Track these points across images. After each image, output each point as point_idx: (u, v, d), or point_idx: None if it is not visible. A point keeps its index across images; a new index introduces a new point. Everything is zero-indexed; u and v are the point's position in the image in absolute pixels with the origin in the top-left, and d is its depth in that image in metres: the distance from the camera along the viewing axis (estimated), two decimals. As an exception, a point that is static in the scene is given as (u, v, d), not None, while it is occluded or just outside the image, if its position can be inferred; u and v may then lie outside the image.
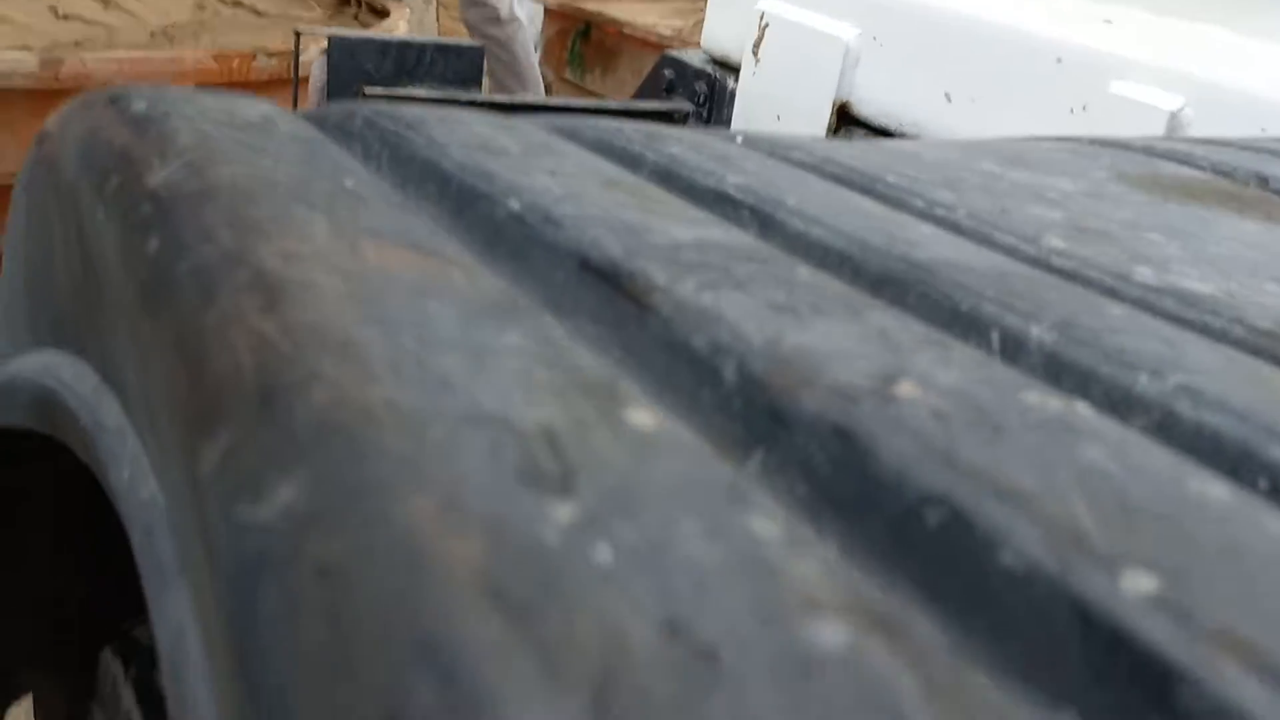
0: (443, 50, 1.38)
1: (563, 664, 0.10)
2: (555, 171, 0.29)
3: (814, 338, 0.20)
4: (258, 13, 3.36)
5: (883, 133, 1.21)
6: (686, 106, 1.51)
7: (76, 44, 2.85)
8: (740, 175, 0.34)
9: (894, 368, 0.19)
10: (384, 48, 1.33)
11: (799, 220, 0.30)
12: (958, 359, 0.20)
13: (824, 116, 1.26)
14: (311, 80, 1.35)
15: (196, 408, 0.16)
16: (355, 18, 3.46)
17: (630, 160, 0.35)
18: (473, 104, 1.39)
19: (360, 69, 1.32)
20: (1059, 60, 1.01)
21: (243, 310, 0.17)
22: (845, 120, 1.25)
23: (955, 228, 0.33)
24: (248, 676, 0.12)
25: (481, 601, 0.11)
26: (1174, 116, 0.90)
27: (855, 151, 0.42)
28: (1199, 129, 0.90)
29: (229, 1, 3.43)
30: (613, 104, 1.47)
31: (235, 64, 2.43)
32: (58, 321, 0.32)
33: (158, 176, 0.22)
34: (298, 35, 1.38)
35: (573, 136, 0.37)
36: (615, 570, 0.12)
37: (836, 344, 0.20)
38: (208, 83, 2.43)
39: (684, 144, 0.37)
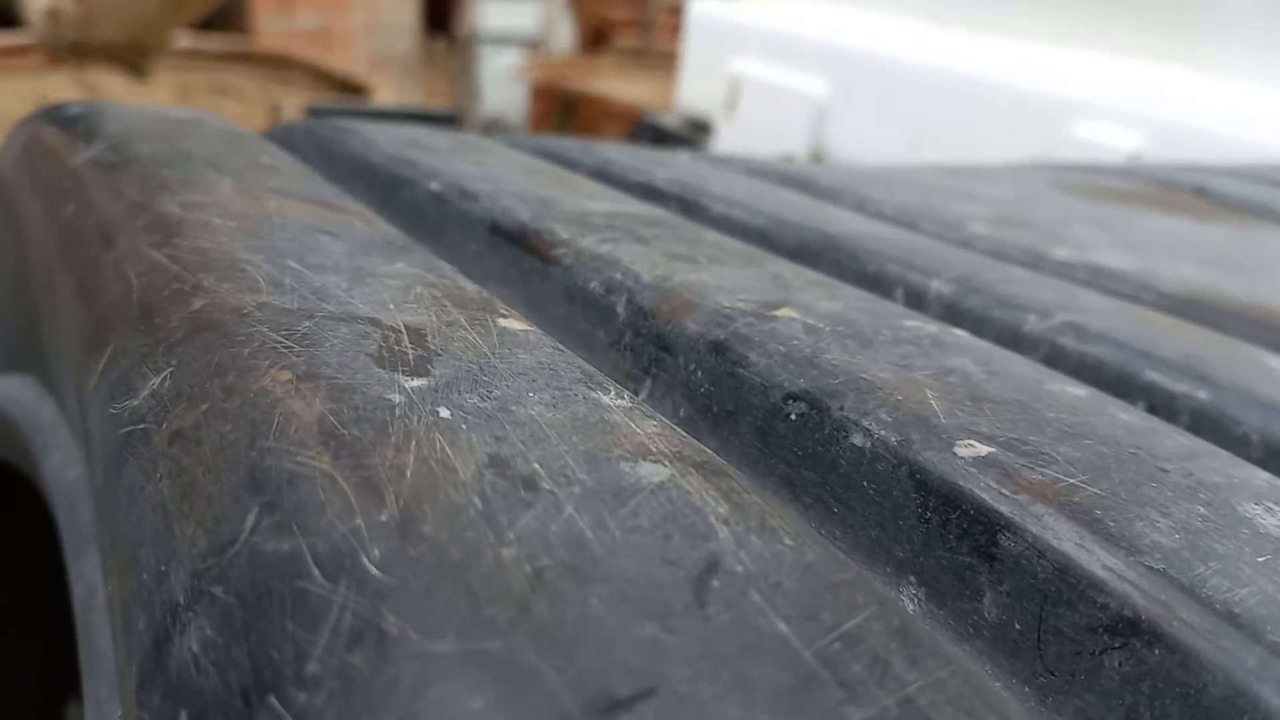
0: (418, 117, 1.40)
1: (380, 487, 0.11)
2: (481, 162, 0.30)
3: (706, 277, 0.21)
4: (241, 97, 3.43)
5: (853, 183, 1.23)
6: (663, 167, 1.53)
7: (68, 128, 2.89)
8: (671, 172, 0.35)
9: (779, 299, 0.20)
10: (360, 116, 1.36)
11: (721, 204, 0.31)
12: (846, 295, 0.21)
13: (795, 170, 1.28)
14: (293, 149, 1.37)
15: (90, 332, 0.16)
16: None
17: (565, 161, 0.36)
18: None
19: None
20: (1021, 105, 1.03)
21: (138, 245, 0.17)
22: (816, 173, 1.28)
23: (880, 216, 0.34)
24: (114, 542, 0.13)
25: (314, 443, 0.11)
26: (1133, 155, 0.92)
27: (797, 163, 0.43)
28: (1155, 165, 0.93)
29: (213, 88, 3.51)
30: (590, 166, 1.49)
31: (223, 142, 2.47)
32: (7, 342, 0.33)
33: (82, 156, 0.23)
34: (276, 110, 1.41)
35: (511, 144, 0.39)
36: (451, 422, 0.12)
37: (727, 281, 0.20)
38: (196, 161, 2.47)
39: (621, 150, 0.38)
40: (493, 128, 5.25)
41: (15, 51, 3.18)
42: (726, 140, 1.41)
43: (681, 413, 0.17)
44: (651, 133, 1.58)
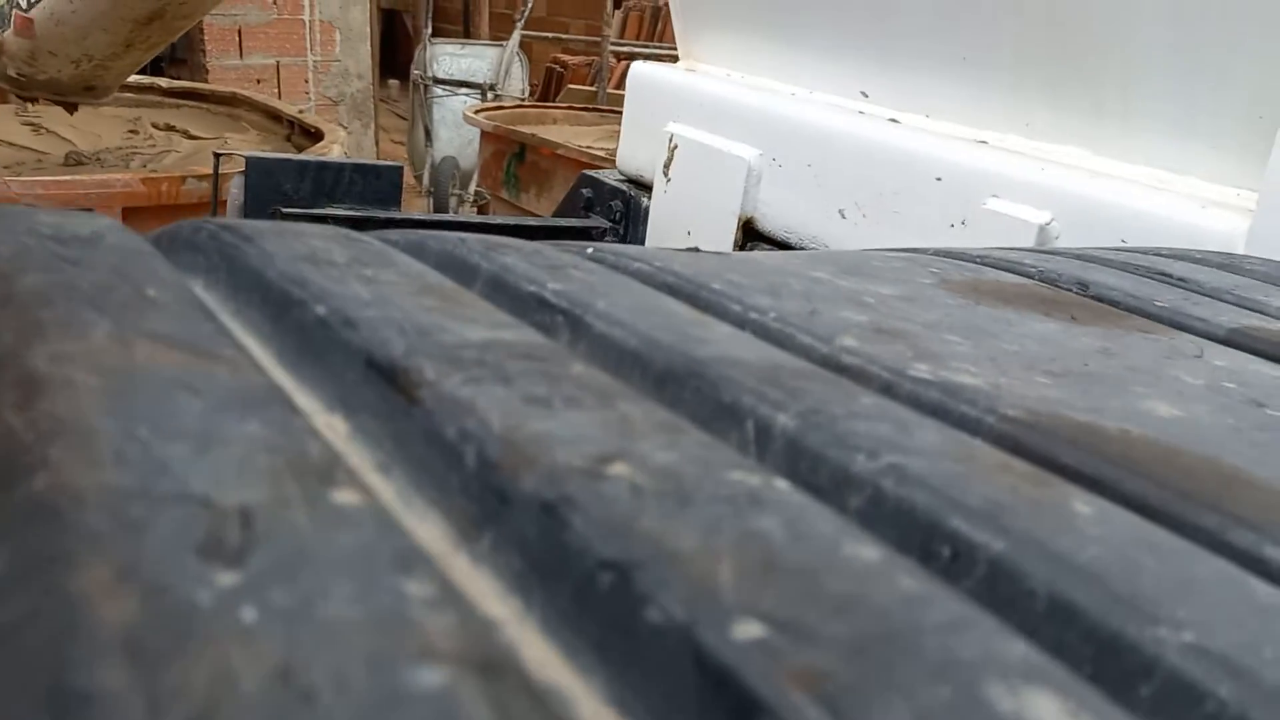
0: (361, 170, 1.41)
1: (167, 706, 0.12)
2: (372, 280, 0.32)
3: (554, 425, 0.22)
4: (190, 136, 3.42)
5: (785, 246, 1.27)
6: (603, 224, 1.56)
7: (5, 169, 2.86)
8: (563, 282, 0.36)
9: (616, 450, 0.21)
10: (302, 168, 1.36)
11: (602, 323, 0.32)
12: (684, 444, 0.22)
13: (730, 231, 1.31)
14: (229, 202, 1.37)
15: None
16: (288, 139, 3.53)
17: (463, 270, 0.38)
18: (389, 222, 1.42)
19: (278, 190, 1.35)
20: (939, 179, 1.07)
21: (0, 408, 0.18)
22: (750, 235, 1.31)
23: (760, 330, 0.36)
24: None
25: (116, 656, 0.13)
26: (1042, 229, 0.96)
27: (695, 261, 0.45)
28: (1066, 240, 0.96)
29: (162, 126, 3.49)
30: (531, 222, 1.51)
31: (164, 187, 2.46)
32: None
33: (-34, 288, 0.24)
34: (217, 157, 1.41)
35: (413, 249, 0.40)
36: (251, 628, 0.13)
37: (573, 431, 0.22)
38: (137, 206, 2.45)
39: (521, 253, 0.40)
40: (444, 172, 5.26)
41: (-43, 85, 3.14)
42: (663, 200, 1.44)
43: (515, 568, 0.19)
44: (592, 188, 1.61)
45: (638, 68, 1.53)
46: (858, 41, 1.26)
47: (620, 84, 7.19)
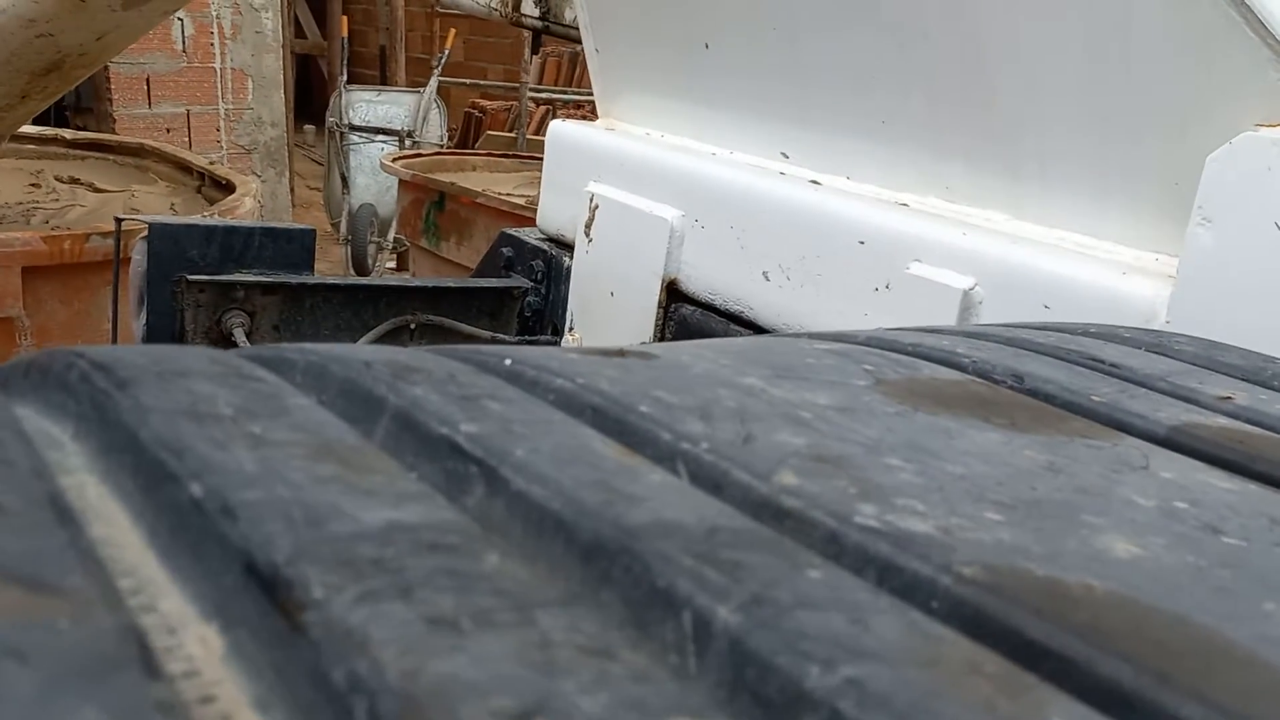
0: (270, 234, 1.36)
1: None
2: (261, 440, 0.28)
3: (462, 663, 0.19)
4: (96, 189, 3.30)
5: (710, 308, 1.25)
6: (524, 283, 1.53)
7: (-106, 225, 2.73)
8: (478, 421, 0.33)
9: (535, 699, 0.18)
10: (209, 233, 1.31)
11: (522, 478, 0.29)
12: (616, 676, 0.19)
13: (654, 293, 1.30)
14: (132, 268, 1.31)
15: None
16: (199, 191, 3.44)
17: (368, 405, 0.34)
18: (302, 286, 1.37)
19: (184, 256, 1.29)
20: (862, 242, 1.06)
21: None
22: (675, 296, 1.29)
23: (693, 468, 0.33)
24: None
25: None
26: (966, 295, 0.96)
27: (622, 375, 0.43)
28: (989, 305, 0.96)
29: (65, 179, 3.37)
30: (450, 283, 1.48)
31: (67, 245, 2.36)
32: None
33: None
34: (118, 222, 1.35)
35: (314, 379, 0.36)
36: None
37: (484, 670, 0.19)
38: (39, 266, 2.35)
39: (434, 381, 0.37)
40: (362, 220, 5.18)
41: None
42: (585, 260, 1.42)
43: None
44: (513, 246, 1.58)
45: (557, 126, 1.52)
46: (777, 103, 1.26)
47: (540, 130, 7.20)
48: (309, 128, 8.73)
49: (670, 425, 0.37)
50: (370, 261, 5.24)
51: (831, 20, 1.15)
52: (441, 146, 5.60)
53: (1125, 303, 0.87)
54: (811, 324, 1.11)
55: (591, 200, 1.39)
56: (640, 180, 1.34)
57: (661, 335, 1.30)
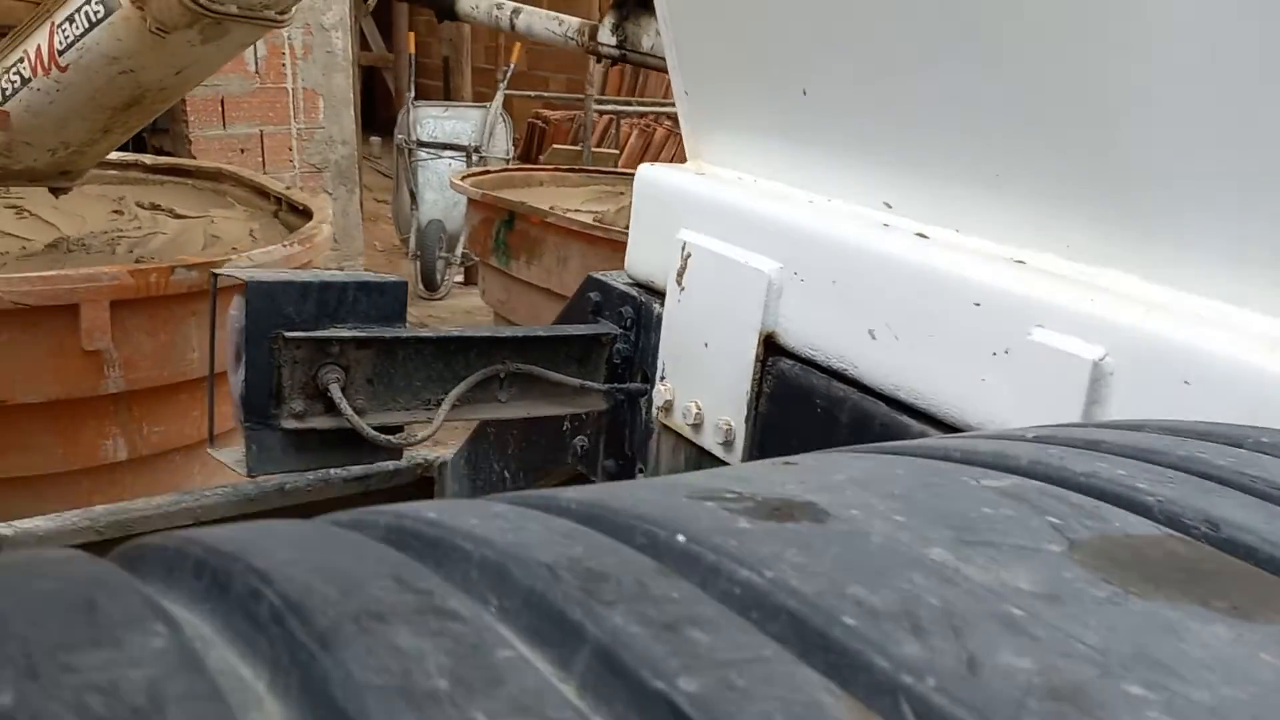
0: (364, 288, 1.36)
1: None
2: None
3: None
4: (176, 215, 3.36)
5: (811, 364, 1.21)
6: (613, 330, 1.51)
7: (-12, 258, 2.79)
8: (693, 673, 0.30)
9: None
10: (304, 289, 1.31)
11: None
12: None
13: (751, 346, 1.26)
14: (229, 322, 1.32)
15: None
16: (276, 215, 3.48)
17: (563, 633, 0.32)
18: (395, 340, 1.37)
19: (280, 313, 1.29)
20: (978, 304, 1.02)
21: None
22: (773, 350, 1.26)
23: (921, 710, 0.30)
24: None
25: None
26: (1096, 366, 0.91)
27: (805, 555, 0.40)
28: (1121, 378, 0.91)
29: (146, 205, 3.43)
30: (539, 332, 1.46)
31: (153, 279, 2.40)
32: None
33: None
34: (214, 277, 1.36)
35: (495, 580, 0.34)
36: None
37: None
38: (126, 299, 2.39)
39: (627, 598, 0.34)
40: (431, 236, 5.22)
41: (-66, 169, 3.09)
42: (677, 309, 1.39)
43: None
44: (600, 291, 1.56)
45: (645, 171, 1.49)
46: (880, 149, 1.21)
47: (602, 140, 7.21)
48: (374, 140, 8.84)
49: (883, 647, 0.34)
50: (439, 276, 5.28)
51: (940, 62, 1.11)
52: (508, 160, 5.62)
53: (1273, 382, 0.82)
54: (923, 388, 1.07)
55: (684, 248, 1.37)
56: (735, 228, 1.31)
57: (759, 389, 1.27)
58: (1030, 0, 1.00)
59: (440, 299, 5.26)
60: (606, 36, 2.19)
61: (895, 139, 1.19)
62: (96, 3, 2.41)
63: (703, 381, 1.34)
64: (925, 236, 1.14)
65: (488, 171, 4.71)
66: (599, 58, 2.25)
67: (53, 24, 2.48)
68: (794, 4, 1.25)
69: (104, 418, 2.56)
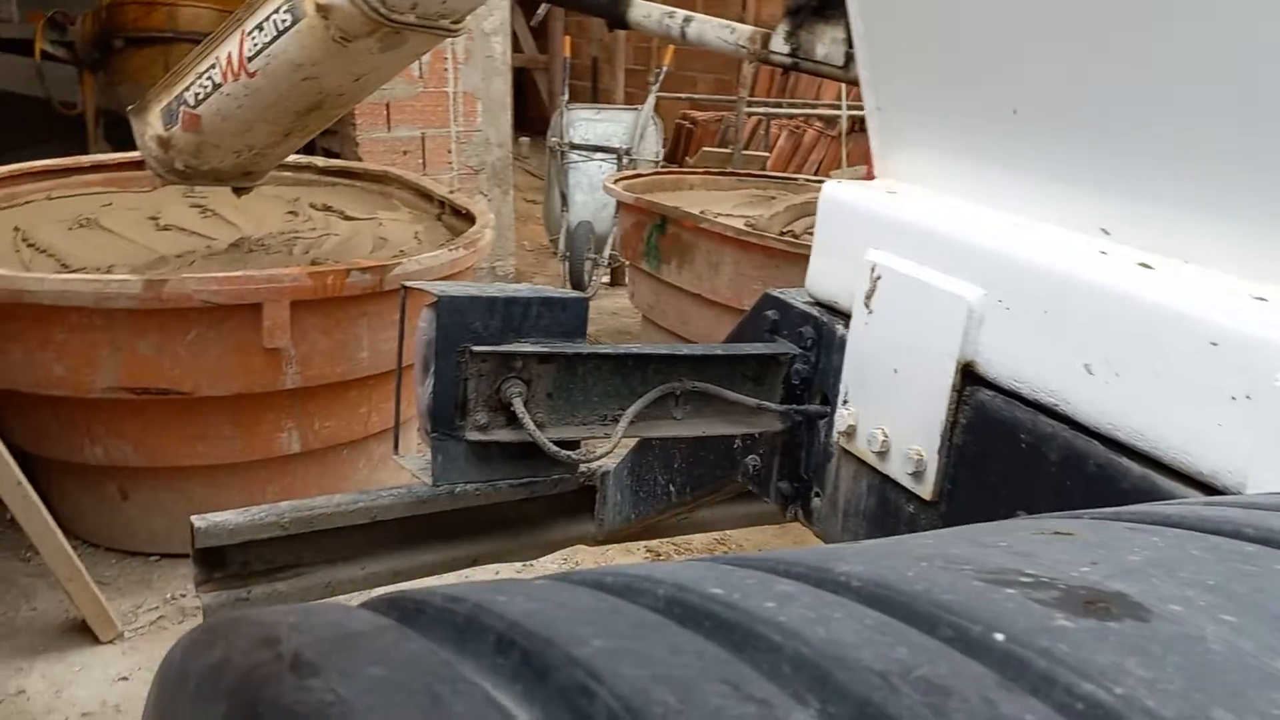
0: (547, 304, 1.37)
1: None
2: None
3: None
4: (346, 217, 3.48)
5: (1015, 397, 1.15)
6: (791, 349, 1.48)
7: (178, 256, 2.95)
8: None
9: None
10: (491, 305, 1.33)
11: None
12: None
13: (947, 375, 1.21)
14: (418, 335, 1.34)
15: None
16: (439, 218, 3.57)
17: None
18: (576, 355, 1.37)
19: (468, 327, 1.31)
20: (1214, 344, 0.95)
21: None
22: (971, 379, 1.20)
23: None
24: None
25: None
26: (1362, 420, 0.83)
27: (1150, 667, 0.36)
28: (1392, 434, 0.83)
29: (319, 206, 3.57)
30: (718, 350, 1.44)
31: (330, 280, 2.49)
32: None
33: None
34: (405, 290, 1.39)
35: (816, 683, 0.32)
36: None
37: None
38: (303, 299, 2.48)
39: (972, 713, 0.31)
40: (580, 238, 5.27)
41: (134, 165, 3.28)
42: (864, 332, 1.34)
43: None
44: (778, 310, 1.52)
45: (831, 188, 1.45)
46: (1097, 172, 1.14)
47: (750, 142, 7.15)
48: (523, 140, 9.01)
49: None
50: (586, 277, 5.33)
51: (1167, 80, 1.03)
52: (658, 162, 5.63)
53: None
54: (1148, 431, 1.00)
55: (873, 270, 1.32)
56: (930, 251, 1.26)
57: (954, 420, 1.21)
58: (1274, 8, 0.92)
59: (588, 300, 5.31)
60: (779, 45, 2.15)
61: (1115, 162, 1.12)
62: (284, 11, 2.51)
63: (891, 408, 1.30)
64: (1149, 267, 1.06)
65: (639, 174, 4.73)
66: (771, 65, 2.22)
67: (243, 32, 2.59)
68: (1005, 20, 1.19)
69: (280, 412, 2.67)
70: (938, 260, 1.24)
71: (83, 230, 3.13)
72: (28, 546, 2.59)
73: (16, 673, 2.45)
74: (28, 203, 3.38)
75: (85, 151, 4.99)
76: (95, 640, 2.55)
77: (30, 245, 2.97)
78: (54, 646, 2.55)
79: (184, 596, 2.77)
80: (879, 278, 1.32)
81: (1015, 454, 1.14)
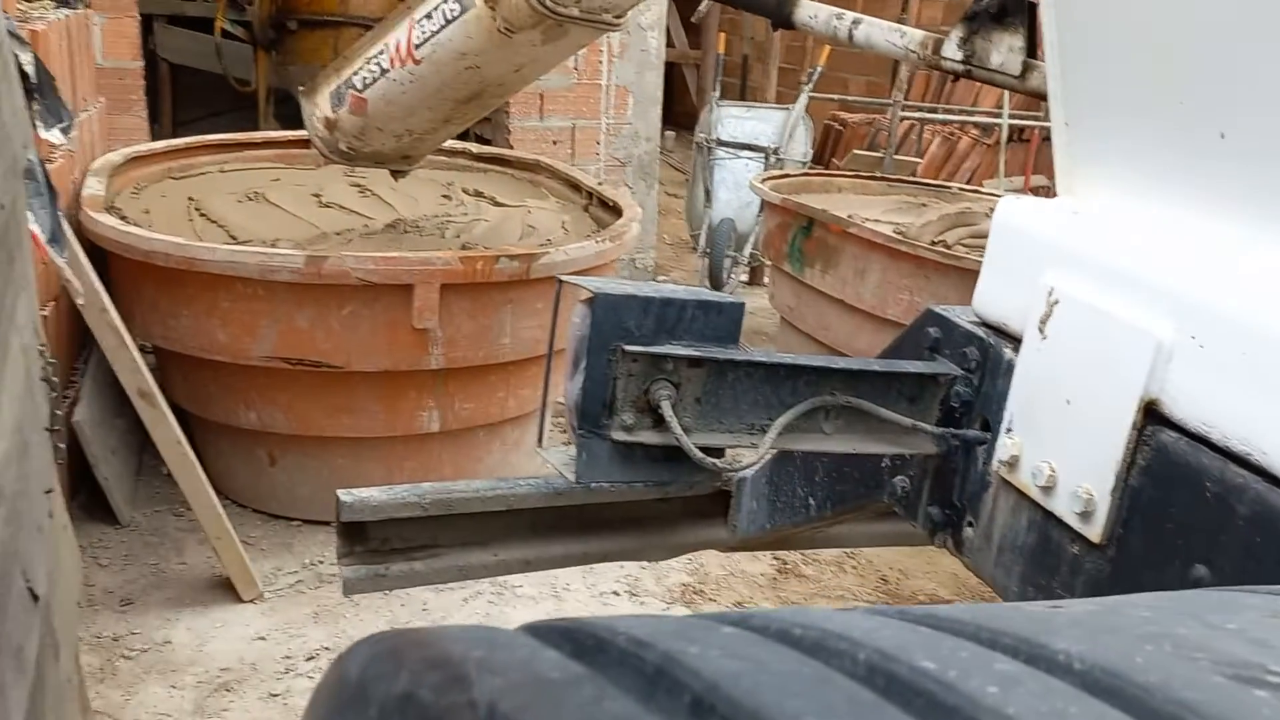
0: (703, 307, 1.34)
1: None
2: None
3: None
4: (496, 203, 3.54)
5: (1202, 441, 1.07)
6: (952, 370, 1.41)
7: (337, 234, 3.05)
8: None
9: None
10: (646, 304, 1.31)
11: None
12: None
13: (1127, 412, 1.13)
14: (570, 330, 1.34)
15: None
16: (586, 209, 3.59)
17: None
18: (728, 361, 1.34)
19: (621, 326, 1.30)
20: None
21: None
22: (1153, 419, 1.12)
23: None
24: None
25: None
26: None
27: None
28: None
29: (471, 191, 3.64)
30: (874, 365, 1.39)
31: (479, 266, 2.53)
32: None
33: None
34: (560, 283, 1.38)
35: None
36: None
37: None
38: (453, 281, 2.53)
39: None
40: (722, 234, 5.24)
41: (302, 144, 3.41)
42: (1035, 359, 1.27)
43: None
44: (940, 328, 1.46)
45: (1007, 205, 1.38)
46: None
47: (901, 147, 6.97)
48: (669, 134, 9.03)
49: None
50: (725, 275, 5.30)
51: None
52: (805, 163, 5.55)
53: None
54: (1362, 494, 0.91)
55: (1049, 294, 1.25)
56: (1115, 279, 1.18)
57: (1132, 460, 1.13)
58: None
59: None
60: (952, 51, 2.06)
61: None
62: (453, 1, 2.56)
63: (1061, 442, 1.22)
64: (1375, 313, 0.97)
65: (787, 175, 4.66)
66: (942, 71, 2.13)
67: (412, 19, 2.65)
68: (1217, 38, 1.10)
69: (424, 391, 2.73)
70: (1124, 288, 1.16)
71: (251, 203, 3.27)
72: (181, 501, 2.72)
73: (165, 623, 2.58)
74: (203, 173, 3.56)
75: (256, 126, 5.23)
76: (237, 598, 2.66)
77: (203, 215, 3.12)
78: (199, 601, 2.68)
79: (322, 563, 2.87)
80: (1056, 302, 1.24)
81: (1198, 504, 1.06)
